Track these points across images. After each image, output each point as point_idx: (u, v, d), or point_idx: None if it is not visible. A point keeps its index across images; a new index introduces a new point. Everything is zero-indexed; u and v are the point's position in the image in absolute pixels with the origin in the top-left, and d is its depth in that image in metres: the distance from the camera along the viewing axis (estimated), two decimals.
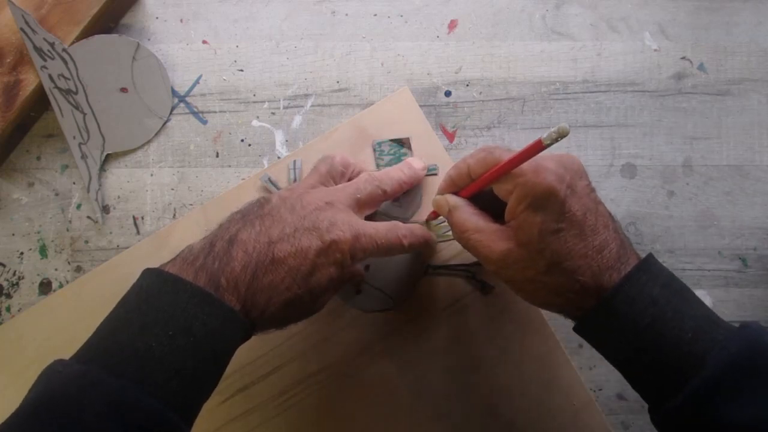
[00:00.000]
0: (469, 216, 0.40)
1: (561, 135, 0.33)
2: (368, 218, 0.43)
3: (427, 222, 0.49)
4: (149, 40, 0.52)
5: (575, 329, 0.38)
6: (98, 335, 0.33)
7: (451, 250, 0.50)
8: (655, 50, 0.52)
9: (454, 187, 0.43)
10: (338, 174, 0.44)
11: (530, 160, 0.36)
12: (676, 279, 0.37)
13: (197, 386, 0.33)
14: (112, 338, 0.32)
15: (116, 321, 0.33)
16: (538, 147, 0.34)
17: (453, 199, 0.42)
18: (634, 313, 0.35)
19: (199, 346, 0.33)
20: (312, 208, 0.39)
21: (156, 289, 0.34)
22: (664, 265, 0.37)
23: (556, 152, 0.38)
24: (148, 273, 0.35)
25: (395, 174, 0.45)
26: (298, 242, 0.37)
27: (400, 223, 0.43)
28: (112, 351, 0.32)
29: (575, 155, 0.39)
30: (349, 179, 0.46)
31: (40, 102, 0.50)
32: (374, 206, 0.44)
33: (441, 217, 0.49)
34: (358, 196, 0.42)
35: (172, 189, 0.51)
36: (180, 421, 0.31)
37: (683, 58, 0.53)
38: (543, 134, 0.34)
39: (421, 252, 0.49)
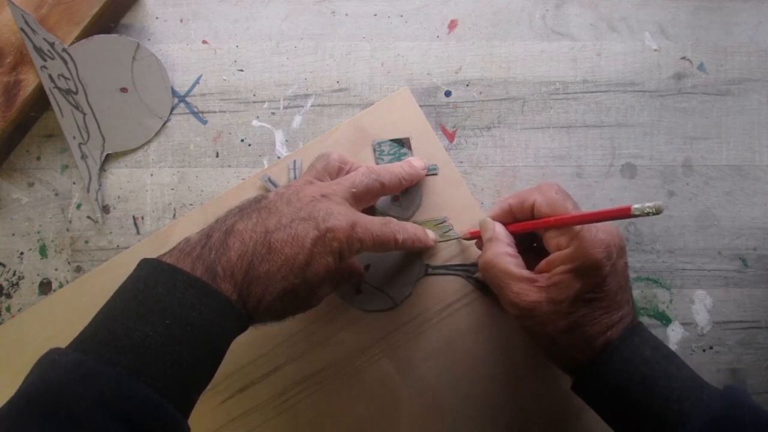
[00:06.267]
0: (505, 256, 0.42)
1: (656, 212, 0.33)
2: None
3: (426, 222, 0.49)
4: (149, 40, 0.52)
5: (573, 389, 0.41)
6: (94, 324, 0.33)
7: (451, 250, 0.50)
8: (655, 50, 0.52)
9: (510, 216, 0.44)
10: (335, 170, 0.44)
11: (589, 229, 0.38)
12: (664, 344, 0.40)
13: (193, 377, 0.33)
14: (109, 327, 0.32)
15: (113, 310, 0.33)
16: (624, 214, 0.35)
17: (499, 231, 0.43)
18: (627, 371, 0.38)
19: (195, 335, 0.33)
20: (308, 200, 0.39)
21: (153, 279, 0.34)
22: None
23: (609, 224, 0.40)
24: (144, 263, 0.35)
25: (395, 168, 0.45)
26: (295, 231, 0.37)
27: (394, 219, 0.43)
28: (108, 340, 0.32)
29: (617, 229, 0.40)
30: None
31: (40, 102, 0.50)
32: (372, 200, 0.44)
33: (442, 217, 0.49)
34: (354, 189, 0.41)
35: (172, 189, 0.51)
36: (175, 411, 0.31)
37: (683, 58, 0.53)
38: (635, 203, 0.33)
39: (421, 251, 0.49)
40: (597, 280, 0.38)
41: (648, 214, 0.33)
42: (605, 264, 0.38)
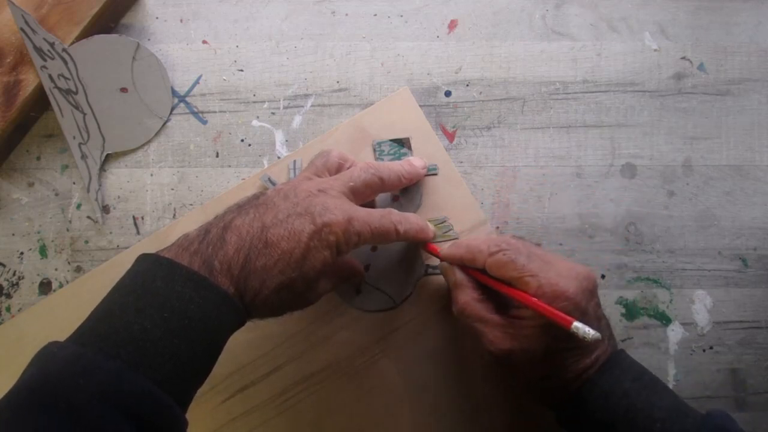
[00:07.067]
0: (473, 302, 0.42)
1: (591, 342, 0.35)
2: None
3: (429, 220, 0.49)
4: (149, 40, 0.52)
5: (557, 420, 0.42)
6: (93, 318, 0.33)
7: None
8: (655, 50, 0.52)
9: (462, 264, 0.44)
10: (334, 166, 0.44)
11: (550, 283, 0.38)
12: (647, 372, 0.40)
13: (192, 370, 0.33)
14: (108, 321, 0.32)
15: (111, 304, 0.34)
16: (563, 323, 0.36)
17: (459, 277, 0.43)
18: (608, 406, 0.38)
19: (194, 329, 0.33)
20: (305, 195, 0.39)
21: (151, 273, 0.34)
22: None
23: (577, 265, 0.40)
24: (143, 258, 0.35)
25: (394, 165, 0.45)
26: (291, 226, 0.37)
27: (394, 210, 0.42)
28: (107, 333, 0.32)
29: (591, 270, 0.41)
30: None
31: (40, 102, 0.50)
32: (371, 195, 0.44)
33: (443, 217, 0.49)
34: (352, 183, 0.41)
35: (172, 189, 0.51)
36: (175, 404, 0.31)
37: (683, 58, 0.53)
38: (578, 323, 0.35)
39: (421, 251, 0.49)
40: (565, 332, 0.38)
41: (582, 337, 0.35)
42: (572, 317, 0.38)
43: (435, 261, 0.49)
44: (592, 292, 0.40)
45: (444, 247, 0.46)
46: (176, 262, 0.34)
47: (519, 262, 0.39)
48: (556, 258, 0.41)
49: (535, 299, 0.38)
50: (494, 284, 0.41)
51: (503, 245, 0.41)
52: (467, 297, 0.42)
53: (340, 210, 0.38)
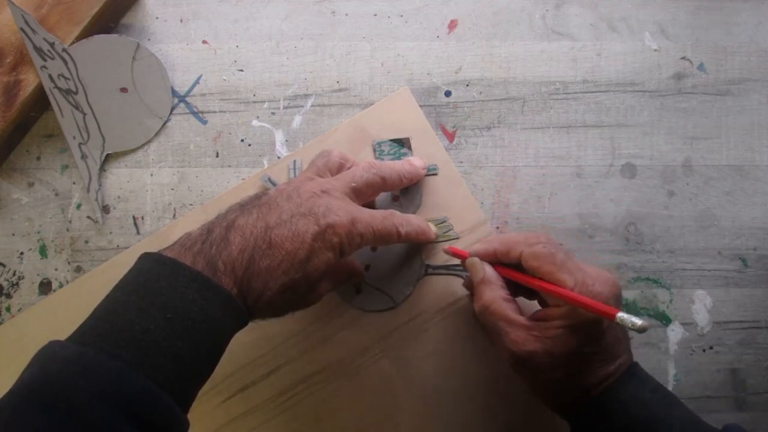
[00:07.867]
0: (502, 301, 0.41)
1: (638, 331, 0.34)
2: None
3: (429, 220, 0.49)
4: (149, 40, 0.52)
5: (572, 431, 0.41)
6: (95, 317, 0.33)
7: None
8: (655, 50, 0.52)
9: (495, 258, 0.43)
10: (335, 166, 0.44)
11: (585, 283, 0.38)
12: (662, 386, 0.40)
13: (194, 371, 0.33)
14: (109, 320, 0.32)
15: (114, 303, 0.33)
16: (607, 314, 0.35)
17: (489, 272, 0.42)
18: (627, 416, 0.38)
19: (196, 330, 0.33)
20: (308, 196, 0.39)
21: (154, 272, 0.34)
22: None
23: (604, 271, 0.40)
24: (146, 257, 0.35)
25: (395, 165, 0.45)
26: (295, 227, 0.36)
27: (396, 212, 0.42)
28: (108, 333, 0.31)
29: (614, 275, 0.41)
30: None
31: (40, 102, 0.50)
32: (373, 194, 0.44)
33: (443, 217, 0.49)
34: (354, 184, 0.41)
35: (172, 189, 0.51)
36: (176, 405, 0.31)
37: (683, 58, 0.53)
38: (623, 313, 0.34)
39: (421, 251, 0.49)
40: (594, 336, 0.38)
41: (629, 327, 0.34)
42: (603, 321, 0.38)
43: (435, 261, 0.49)
44: (618, 299, 0.39)
45: (445, 246, 0.46)
46: (180, 262, 0.34)
47: (558, 257, 0.39)
48: (584, 263, 0.41)
49: (574, 293, 0.37)
50: (526, 279, 0.40)
51: (542, 239, 0.41)
52: (494, 294, 0.41)
53: (343, 211, 0.38)
